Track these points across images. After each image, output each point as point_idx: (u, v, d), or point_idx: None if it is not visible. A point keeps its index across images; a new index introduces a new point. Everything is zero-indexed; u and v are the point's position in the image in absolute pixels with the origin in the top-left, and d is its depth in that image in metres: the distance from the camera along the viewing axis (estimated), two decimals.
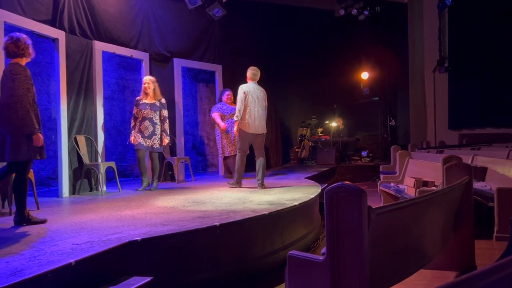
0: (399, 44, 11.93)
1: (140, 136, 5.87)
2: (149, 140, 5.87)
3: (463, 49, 10.99)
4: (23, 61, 3.65)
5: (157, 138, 5.93)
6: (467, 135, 10.72)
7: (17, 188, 3.63)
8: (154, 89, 5.99)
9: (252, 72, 5.98)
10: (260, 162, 5.73)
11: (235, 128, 5.92)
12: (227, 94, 7.48)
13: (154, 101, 5.96)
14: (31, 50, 3.70)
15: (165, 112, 6.06)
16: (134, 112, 6.02)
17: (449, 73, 11.12)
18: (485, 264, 2.82)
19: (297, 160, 11.43)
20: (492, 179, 4.83)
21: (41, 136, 3.54)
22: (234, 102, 7.00)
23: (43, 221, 3.61)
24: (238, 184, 5.81)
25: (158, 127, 5.95)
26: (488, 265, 1.12)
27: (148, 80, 6.03)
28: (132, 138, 5.95)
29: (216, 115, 7.37)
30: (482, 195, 4.37)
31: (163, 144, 6.08)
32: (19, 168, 3.58)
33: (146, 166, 6.02)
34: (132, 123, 6.02)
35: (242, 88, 5.82)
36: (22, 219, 3.54)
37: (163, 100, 6.08)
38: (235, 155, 6.80)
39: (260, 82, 6.39)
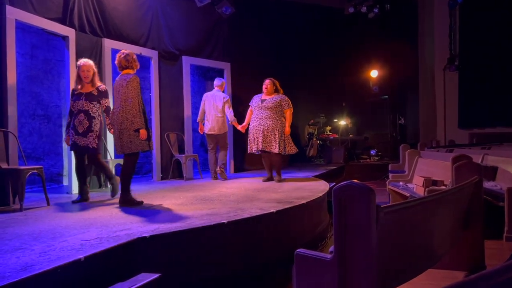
0: (409, 42, 11.83)
1: (74, 134, 4.71)
2: (84, 139, 4.68)
3: (474, 47, 10.86)
4: (132, 72, 4.46)
5: (94, 136, 4.72)
6: (478, 134, 10.60)
7: (125, 174, 4.39)
8: (93, 76, 4.84)
9: (215, 81, 7.28)
10: (221, 154, 6.99)
11: (199, 127, 7.16)
12: (264, 83, 6.40)
13: (91, 90, 4.80)
14: (137, 63, 4.54)
15: (106, 102, 4.89)
16: (70, 107, 4.84)
17: (459, 72, 11.00)
18: (494, 265, 2.80)
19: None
20: (502, 178, 4.77)
21: (145, 131, 4.29)
22: (276, 91, 6.30)
23: (140, 203, 4.33)
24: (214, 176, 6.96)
25: (96, 122, 4.75)
26: (497, 265, 1.11)
27: (88, 65, 4.80)
28: (66, 138, 4.88)
29: (249, 111, 6.56)
30: (492, 194, 4.32)
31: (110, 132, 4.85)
32: (132, 158, 4.38)
33: (85, 172, 4.96)
34: (68, 120, 4.89)
35: (203, 96, 7.20)
36: (126, 200, 4.30)
37: (103, 87, 4.91)
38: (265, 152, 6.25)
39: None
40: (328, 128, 11.83)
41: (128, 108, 4.24)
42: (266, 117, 6.14)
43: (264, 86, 6.39)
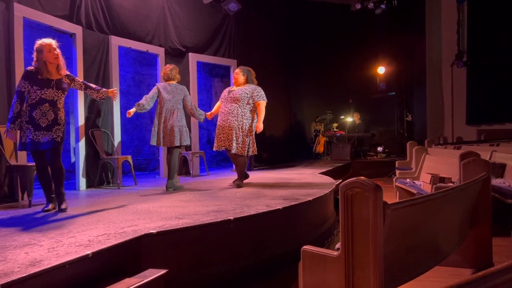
0: (416, 38, 11.74)
1: (32, 130, 3.77)
2: (49, 133, 3.80)
3: (482, 43, 10.74)
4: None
5: (61, 129, 3.87)
6: (486, 130, 10.51)
7: (175, 162, 5.33)
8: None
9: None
10: None
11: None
12: (234, 73, 5.68)
13: (60, 77, 3.98)
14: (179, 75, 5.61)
15: (80, 80, 4.26)
16: (22, 90, 3.82)
17: (467, 68, 10.90)
18: (502, 262, 2.78)
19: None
20: (511, 175, 4.73)
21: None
22: (248, 82, 5.45)
23: (182, 187, 5.39)
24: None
25: (61, 114, 3.91)
26: (505, 262, 1.10)
27: (52, 44, 3.95)
28: (12, 133, 3.83)
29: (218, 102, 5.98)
30: (501, 192, 4.28)
31: (109, 95, 4.36)
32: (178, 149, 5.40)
33: (50, 176, 3.96)
34: (17, 108, 3.81)
35: None
36: (172, 185, 5.23)
37: (68, 72, 4.15)
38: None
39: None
40: (335, 125, 11.80)
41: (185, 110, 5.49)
42: (229, 112, 5.23)
43: (233, 77, 5.52)
